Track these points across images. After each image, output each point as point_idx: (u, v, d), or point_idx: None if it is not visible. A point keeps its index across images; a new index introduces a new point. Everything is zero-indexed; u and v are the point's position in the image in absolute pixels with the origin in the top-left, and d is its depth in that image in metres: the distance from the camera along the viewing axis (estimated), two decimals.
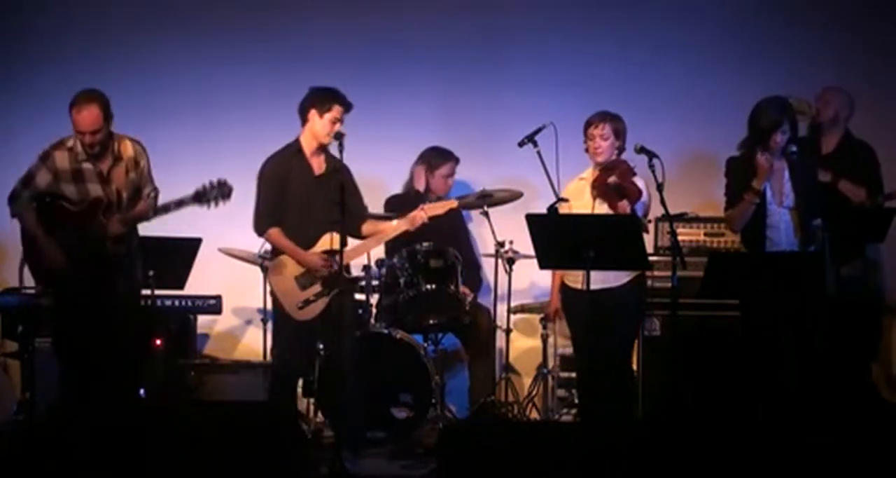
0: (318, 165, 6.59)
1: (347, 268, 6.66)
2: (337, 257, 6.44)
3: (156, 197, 6.39)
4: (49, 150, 6.34)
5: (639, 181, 6.42)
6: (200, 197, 6.25)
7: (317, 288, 6.55)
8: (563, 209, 6.61)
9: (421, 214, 6.65)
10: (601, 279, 6.43)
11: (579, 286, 6.42)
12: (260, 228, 6.60)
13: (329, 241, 6.51)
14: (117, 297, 6.35)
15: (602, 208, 6.49)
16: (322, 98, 6.52)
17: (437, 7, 8.07)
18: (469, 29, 8.02)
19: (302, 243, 6.55)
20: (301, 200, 6.55)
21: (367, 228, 6.69)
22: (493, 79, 8.03)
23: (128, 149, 6.37)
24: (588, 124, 6.57)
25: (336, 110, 6.49)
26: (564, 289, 6.61)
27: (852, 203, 6.92)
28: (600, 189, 6.49)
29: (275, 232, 6.56)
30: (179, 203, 6.26)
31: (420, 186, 7.59)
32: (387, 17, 8.03)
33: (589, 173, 6.63)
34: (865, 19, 7.92)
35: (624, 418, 6.42)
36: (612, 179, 6.44)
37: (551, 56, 8.01)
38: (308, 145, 6.59)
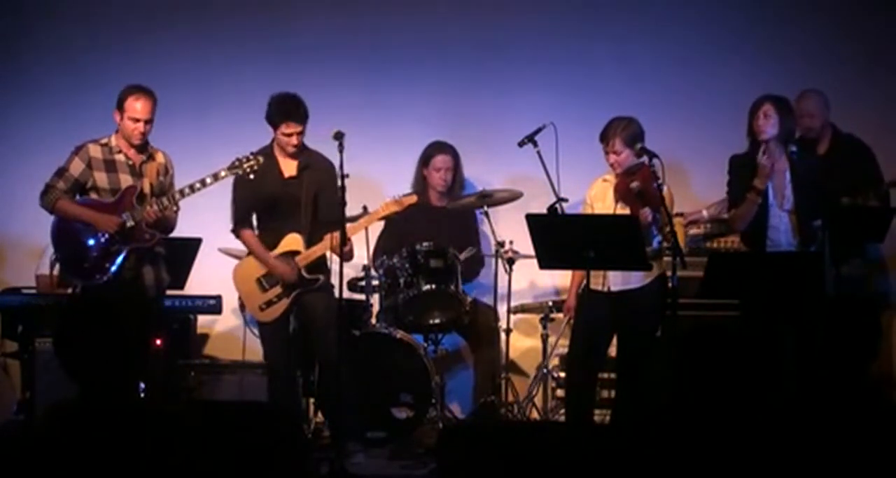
0: (290, 167, 6.62)
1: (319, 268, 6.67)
2: (296, 259, 6.55)
3: (177, 212, 6.54)
4: (83, 143, 6.53)
5: (663, 187, 6.32)
6: (236, 168, 6.41)
7: (278, 289, 6.59)
8: (587, 210, 6.63)
9: (379, 211, 6.71)
10: (622, 281, 6.44)
11: (601, 288, 6.43)
12: (235, 231, 6.68)
13: (289, 243, 6.57)
14: (144, 289, 6.49)
15: (624, 212, 6.48)
16: (273, 114, 6.55)
17: (438, 7, 8.07)
18: (469, 29, 8.02)
19: (267, 244, 6.61)
20: (269, 202, 6.60)
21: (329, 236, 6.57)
22: (493, 78, 8.03)
23: (160, 155, 6.59)
24: (600, 139, 6.55)
25: (285, 126, 6.51)
26: (585, 291, 6.50)
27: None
28: (622, 193, 6.47)
29: (247, 234, 6.64)
30: (215, 176, 6.42)
31: (417, 180, 7.57)
32: (387, 16, 8.03)
33: (612, 175, 6.61)
34: (863, 19, 7.91)
35: (634, 418, 6.42)
36: (634, 185, 6.41)
37: (552, 56, 8.01)
38: (278, 149, 6.63)
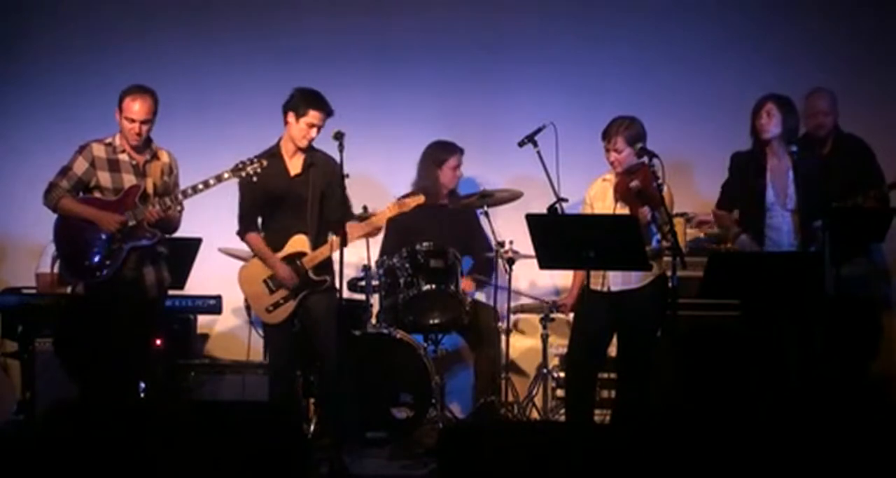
0: (295, 165, 6.59)
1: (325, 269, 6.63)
2: (303, 260, 6.50)
3: (181, 212, 6.53)
4: (87, 142, 6.54)
5: (663, 187, 6.30)
6: (239, 171, 6.42)
7: (284, 291, 6.56)
8: (586, 210, 6.63)
9: (385, 212, 6.65)
10: (622, 281, 6.44)
11: (600, 288, 6.43)
12: (240, 233, 6.64)
13: (295, 244, 6.54)
14: (145, 289, 6.48)
15: (623, 212, 6.48)
16: (299, 102, 6.50)
17: (438, 7, 8.07)
18: (470, 29, 8.02)
19: (273, 245, 6.58)
20: (275, 200, 6.56)
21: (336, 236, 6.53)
22: (493, 78, 8.03)
23: (164, 155, 6.59)
24: (602, 138, 6.56)
25: (312, 116, 6.46)
26: (585, 291, 6.50)
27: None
28: (622, 193, 6.47)
29: (253, 237, 6.60)
30: (218, 178, 6.42)
31: (429, 182, 7.55)
32: (388, 17, 8.03)
33: (612, 175, 6.61)
34: (863, 19, 7.91)
35: (640, 417, 6.42)
36: (633, 184, 6.40)
37: (552, 56, 8.01)
38: (286, 147, 6.59)
